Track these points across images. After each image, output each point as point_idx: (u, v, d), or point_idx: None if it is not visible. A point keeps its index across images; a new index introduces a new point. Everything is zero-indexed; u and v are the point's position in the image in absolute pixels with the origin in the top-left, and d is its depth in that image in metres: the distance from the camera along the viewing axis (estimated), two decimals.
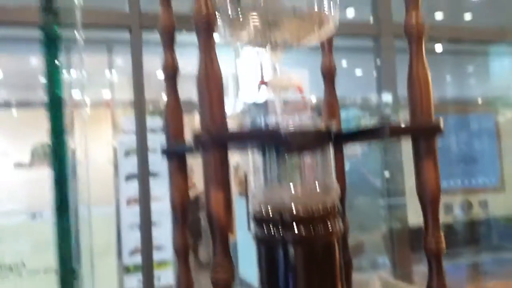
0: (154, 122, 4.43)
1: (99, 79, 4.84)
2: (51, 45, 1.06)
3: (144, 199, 2.72)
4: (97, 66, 4.81)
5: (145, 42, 2.78)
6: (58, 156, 1.12)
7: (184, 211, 0.76)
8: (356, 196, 4.88)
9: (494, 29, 3.71)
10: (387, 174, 3.63)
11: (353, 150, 5.42)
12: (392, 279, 1.33)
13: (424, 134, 0.63)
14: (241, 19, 0.62)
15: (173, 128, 0.75)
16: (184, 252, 0.76)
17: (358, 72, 5.87)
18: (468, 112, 5.43)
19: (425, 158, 0.63)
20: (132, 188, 4.43)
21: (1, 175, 6.12)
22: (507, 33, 2.67)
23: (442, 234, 0.64)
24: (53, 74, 1.08)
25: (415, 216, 3.99)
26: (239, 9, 0.62)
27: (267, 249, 0.64)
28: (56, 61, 1.09)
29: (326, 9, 0.63)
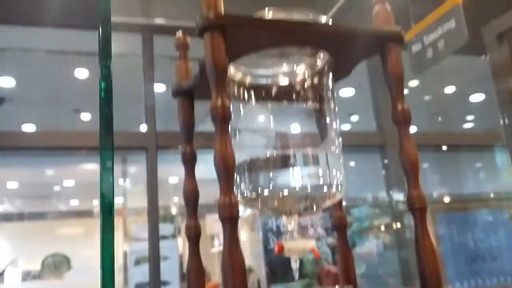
0: (166, 229, 4.44)
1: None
2: (108, 162, 1.16)
3: None
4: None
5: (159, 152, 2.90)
6: (106, 260, 1.16)
7: None
8: None
9: (488, 134, 3.81)
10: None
11: (369, 251, 5.33)
12: None
13: None
14: (258, 200, 0.68)
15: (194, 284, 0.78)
16: None
17: (367, 170, 5.94)
18: (481, 207, 5.39)
19: None
20: None
21: (10, 287, 6.03)
22: (499, 137, 2.74)
23: None
24: (108, 188, 1.17)
25: None
26: (257, 192, 0.68)
27: None
28: (111, 176, 1.19)
29: (334, 189, 0.69)
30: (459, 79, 4.02)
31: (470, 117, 4.88)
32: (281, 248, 0.71)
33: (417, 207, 0.66)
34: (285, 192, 0.68)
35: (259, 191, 0.68)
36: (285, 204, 0.70)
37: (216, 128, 0.60)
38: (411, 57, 2.14)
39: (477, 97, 4.39)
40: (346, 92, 3.92)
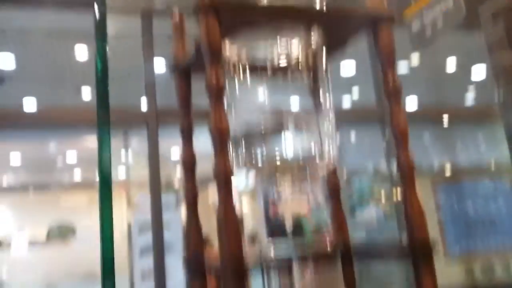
0: (169, 199, 4.49)
1: (115, 159, 4.97)
2: (105, 137, 1.21)
3: (159, 276, 2.71)
4: (113, 147, 4.97)
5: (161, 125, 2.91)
6: (105, 225, 1.24)
7: None
8: (375, 265, 4.83)
9: (488, 106, 3.80)
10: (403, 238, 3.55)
11: (369, 219, 5.41)
12: None
13: (422, 254, 0.71)
14: (253, 167, 0.72)
15: (193, 247, 0.82)
16: None
17: (368, 142, 5.96)
18: (483, 177, 5.45)
19: (425, 275, 0.70)
20: (146, 264, 4.41)
21: (18, 253, 6.17)
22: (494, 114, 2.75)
23: None
24: (106, 163, 1.22)
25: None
26: (251, 162, 0.71)
27: None
28: (108, 151, 1.24)
29: (326, 158, 0.72)
30: (460, 52, 4.00)
31: (471, 88, 4.88)
32: (276, 209, 0.75)
33: (405, 168, 0.69)
34: (278, 162, 0.71)
35: (254, 161, 0.72)
36: (279, 172, 0.73)
37: (211, 100, 0.64)
38: (411, 35, 2.15)
39: (478, 69, 4.38)
40: (347, 64, 3.92)
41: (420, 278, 0.71)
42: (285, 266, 0.72)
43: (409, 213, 0.72)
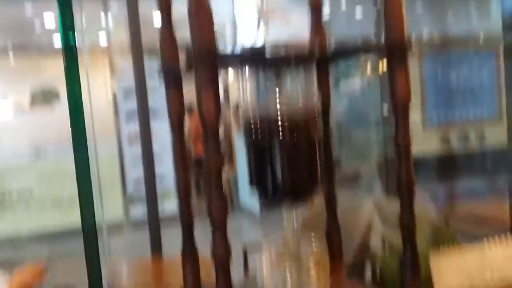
0: (154, 65, 4.43)
1: (95, 23, 4.79)
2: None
3: (145, 140, 2.75)
4: (92, 10, 4.75)
5: None
6: (73, 95, 1.23)
7: (181, 122, 0.84)
8: (355, 129, 5.03)
9: None
10: (385, 107, 3.61)
11: (353, 89, 5.47)
12: (384, 199, 1.45)
13: (397, 52, 0.72)
14: None
15: (168, 53, 0.81)
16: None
17: (358, 9, 5.78)
18: (470, 48, 5.43)
19: (398, 72, 0.72)
20: (132, 129, 4.50)
21: (3, 118, 6.21)
22: None
23: (410, 132, 0.74)
24: (66, 26, 1.16)
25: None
26: None
27: (255, 152, 0.75)
28: (69, 13, 1.16)
29: None
30: None
31: None
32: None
33: None
34: None
35: None
36: None
37: None
38: None
39: None
40: None
41: (394, 76, 0.74)
42: (255, 59, 0.72)
43: (388, 11, 0.72)
